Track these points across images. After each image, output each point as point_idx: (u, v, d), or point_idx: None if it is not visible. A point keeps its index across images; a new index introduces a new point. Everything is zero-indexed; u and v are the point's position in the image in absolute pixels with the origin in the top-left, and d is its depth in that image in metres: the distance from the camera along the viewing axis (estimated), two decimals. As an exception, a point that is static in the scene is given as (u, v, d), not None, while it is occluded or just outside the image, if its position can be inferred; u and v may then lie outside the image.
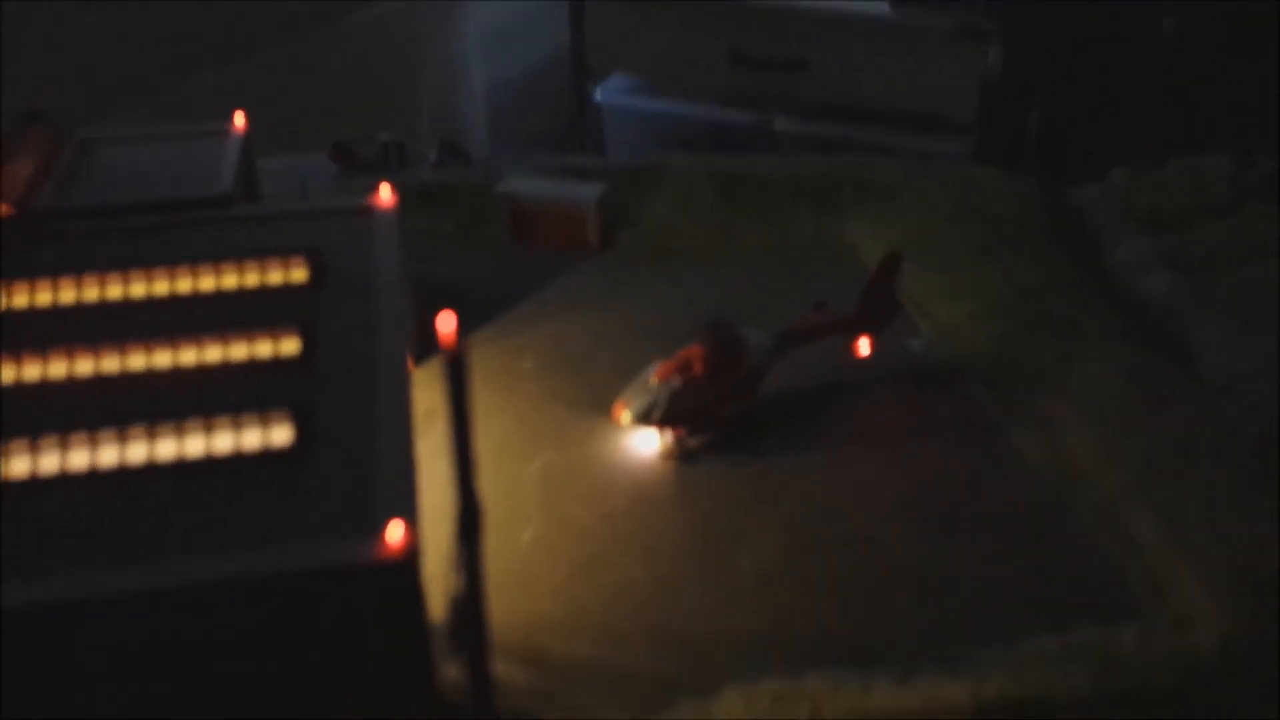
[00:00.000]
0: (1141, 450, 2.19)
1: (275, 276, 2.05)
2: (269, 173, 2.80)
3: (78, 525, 1.50)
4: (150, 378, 1.80)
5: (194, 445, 1.62)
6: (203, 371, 1.82)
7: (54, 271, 2.00)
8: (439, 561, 1.36)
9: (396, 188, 2.35)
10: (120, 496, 1.56)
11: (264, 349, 1.83)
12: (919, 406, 2.51)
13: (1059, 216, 3.34)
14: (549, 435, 2.33)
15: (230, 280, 2.03)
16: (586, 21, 5.36)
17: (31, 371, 1.77)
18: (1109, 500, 2.16)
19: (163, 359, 1.80)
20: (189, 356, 1.82)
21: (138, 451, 1.60)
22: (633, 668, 1.76)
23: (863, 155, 3.99)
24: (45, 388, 1.77)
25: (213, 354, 1.82)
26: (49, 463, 1.58)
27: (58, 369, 1.77)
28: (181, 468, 1.60)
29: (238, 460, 1.62)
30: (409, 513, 1.45)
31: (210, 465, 1.61)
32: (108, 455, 1.59)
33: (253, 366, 1.83)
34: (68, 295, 1.97)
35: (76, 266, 2.02)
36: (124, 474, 1.60)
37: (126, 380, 1.79)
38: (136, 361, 1.80)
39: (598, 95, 5.43)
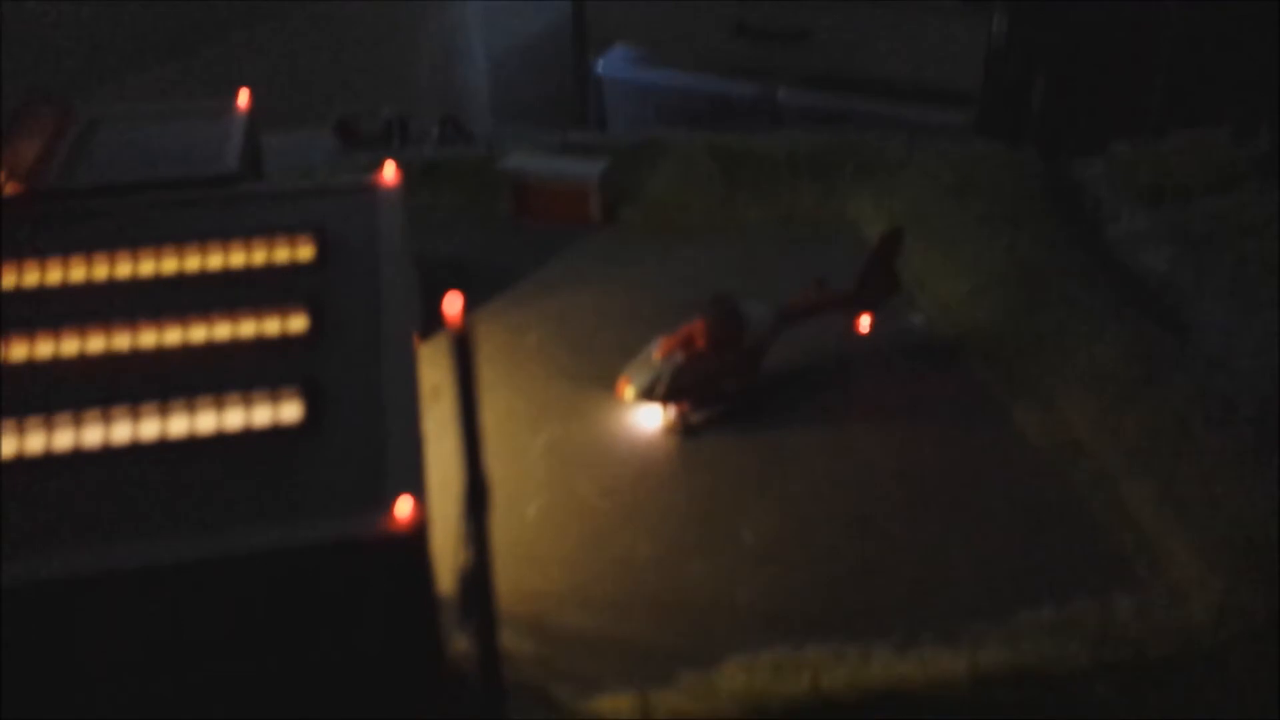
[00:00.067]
0: (1139, 424, 2.22)
1: (282, 254, 2.07)
2: (272, 149, 2.82)
3: (88, 501, 1.52)
4: (160, 355, 1.83)
5: (205, 422, 1.64)
6: (212, 349, 1.84)
7: (63, 250, 2.02)
8: (447, 535, 1.38)
9: (400, 164, 2.37)
10: (131, 473, 1.58)
11: (272, 326, 1.85)
12: (919, 382, 2.53)
13: (1060, 190, 3.35)
14: (553, 410, 2.35)
15: (238, 258, 2.05)
16: (587, -8, 5.33)
17: (44, 349, 1.79)
18: (1107, 474, 2.18)
19: (173, 337, 1.82)
20: (198, 334, 1.84)
21: (150, 428, 1.62)
22: (636, 638, 1.79)
23: (865, 127, 4.00)
24: (57, 365, 1.79)
25: (222, 331, 1.84)
26: (63, 439, 1.60)
27: (70, 346, 1.79)
28: (193, 444, 1.63)
29: (249, 436, 1.64)
30: (417, 488, 1.48)
31: (223, 441, 1.63)
32: (120, 432, 1.62)
33: (262, 343, 1.85)
34: (78, 274, 1.99)
35: (85, 245, 2.04)
36: (135, 451, 1.62)
37: (137, 358, 1.82)
38: (147, 339, 1.82)
39: (599, 67, 5.41)
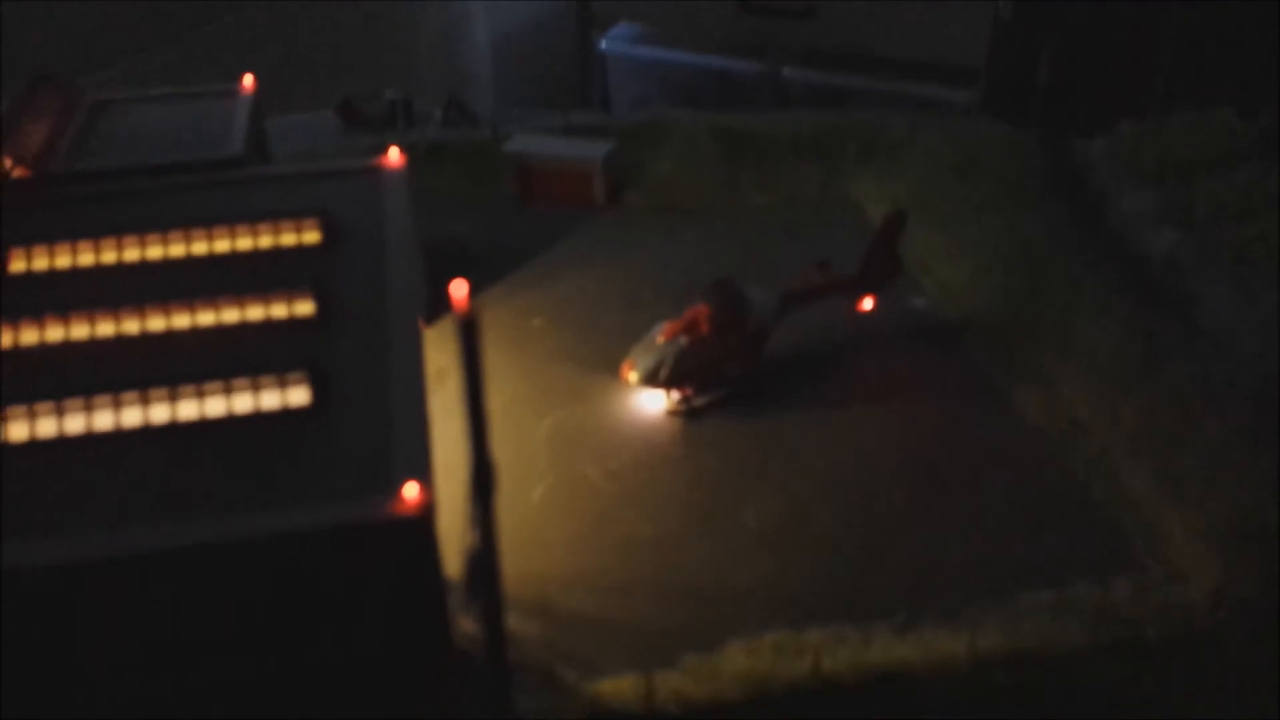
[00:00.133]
0: (1139, 406, 2.23)
1: (288, 238, 2.08)
2: (276, 131, 2.83)
3: (93, 486, 1.54)
4: (169, 339, 1.84)
5: (214, 406, 1.65)
6: (220, 332, 1.85)
7: (70, 234, 2.03)
8: (453, 518, 1.40)
9: (404, 146, 2.38)
10: (139, 459, 1.60)
11: (279, 310, 1.87)
12: (921, 364, 2.54)
13: (1064, 170, 3.35)
14: (558, 394, 2.36)
15: (244, 242, 2.06)
16: (591, -32, 5.30)
17: (53, 334, 1.81)
18: (1106, 456, 2.19)
19: (181, 321, 1.84)
20: (206, 318, 1.85)
21: (160, 412, 1.64)
22: (639, 620, 1.81)
23: (870, 105, 3.99)
24: (66, 349, 1.81)
25: (230, 315, 1.86)
26: (66, 425, 1.62)
27: (79, 331, 1.81)
28: (200, 429, 1.64)
29: (258, 420, 1.65)
30: (424, 472, 1.49)
31: (231, 426, 1.65)
32: (129, 417, 1.63)
33: (269, 327, 1.86)
34: (85, 258, 2.01)
35: (91, 229, 2.06)
36: (143, 436, 1.64)
37: (145, 341, 1.83)
38: (156, 323, 1.84)
39: (602, 43, 5.38)
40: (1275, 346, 2.46)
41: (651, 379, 2.25)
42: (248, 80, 2.63)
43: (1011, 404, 2.36)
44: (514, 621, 1.57)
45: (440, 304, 1.65)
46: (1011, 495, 2.12)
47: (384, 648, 1.50)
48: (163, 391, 1.65)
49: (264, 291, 1.88)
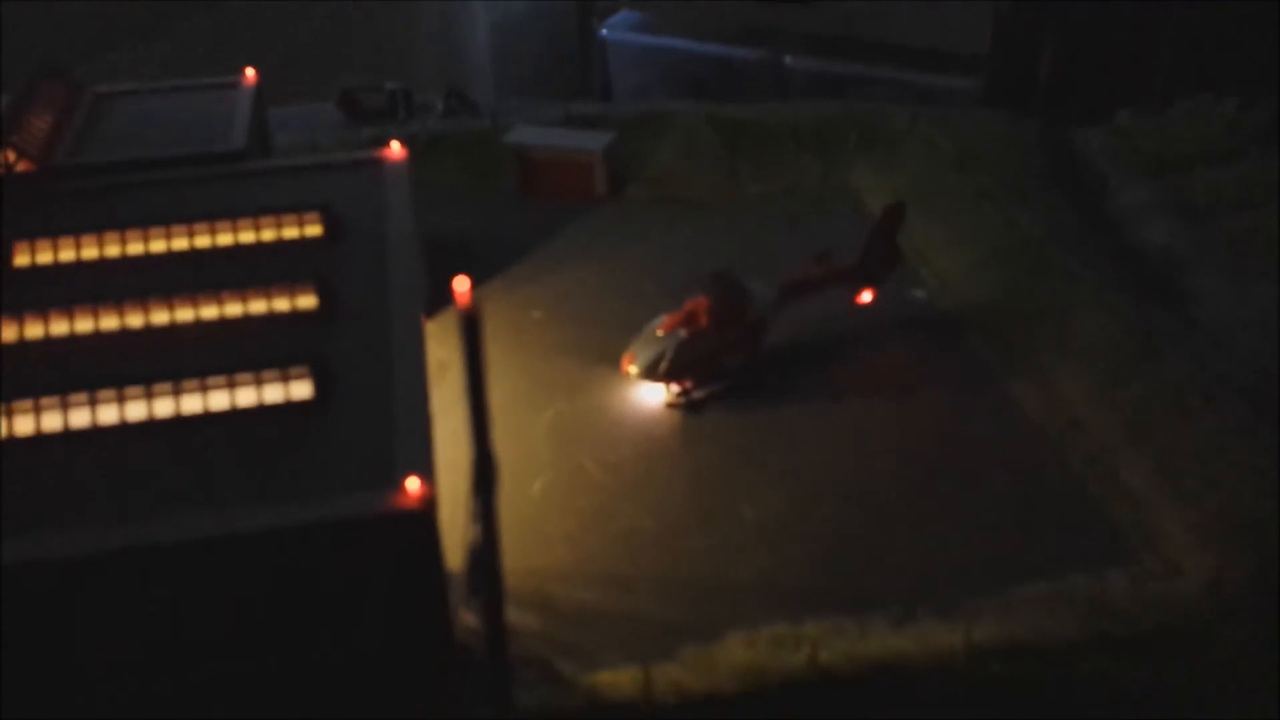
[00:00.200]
0: (1135, 399, 2.25)
1: (291, 232, 2.10)
2: (277, 122, 2.83)
3: (93, 481, 1.55)
4: (171, 333, 1.86)
5: (217, 400, 1.67)
6: (223, 326, 1.87)
7: (73, 228, 2.04)
8: (453, 511, 1.41)
9: (405, 137, 2.39)
10: (143, 453, 1.61)
11: (282, 304, 1.88)
12: (919, 357, 2.56)
13: (1063, 161, 3.36)
14: (558, 387, 2.38)
15: (247, 236, 2.08)
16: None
17: (58, 328, 1.82)
18: (1103, 449, 2.21)
19: (184, 314, 1.85)
20: (210, 312, 1.87)
21: (163, 407, 1.65)
22: (638, 613, 1.84)
23: (871, 94, 3.99)
24: (69, 343, 1.82)
25: (233, 309, 1.87)
26: (61, 419, 1.63)
27: (83, 325, 1.82)
28: (203, 423, 1.66)
29: (261, 414, 1.67)
30: (426, 467, 1.51)
31: (234, 420, 1.66)
32: (134, 410, 1.64)
33: (272, 321, 1.88)
34: (89, 252, 2.02)
35: (94, 223, 2.07)
36: (147, 430, 1.65)
37: (149, 335, 1.85)
38: (159, 317, 1.85)
39: (603, 32, 5.36)
40: (1272, 341, 2.47)
41: (651, 372, 2.27)
42: (249, 73, 2.64)
43: (1009, 398, 2.38)
44: (514, 614, 1.59)
45: (441, 297, 1.66)
46: (1008, 488, 2.14)
47: (385, 643, 1.52)
48: (166, 386, 1.67)
49: (267, 285, 1.89)
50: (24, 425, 1.59)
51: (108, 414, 1.64)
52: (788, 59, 5.03)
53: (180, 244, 2.06)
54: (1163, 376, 2.31)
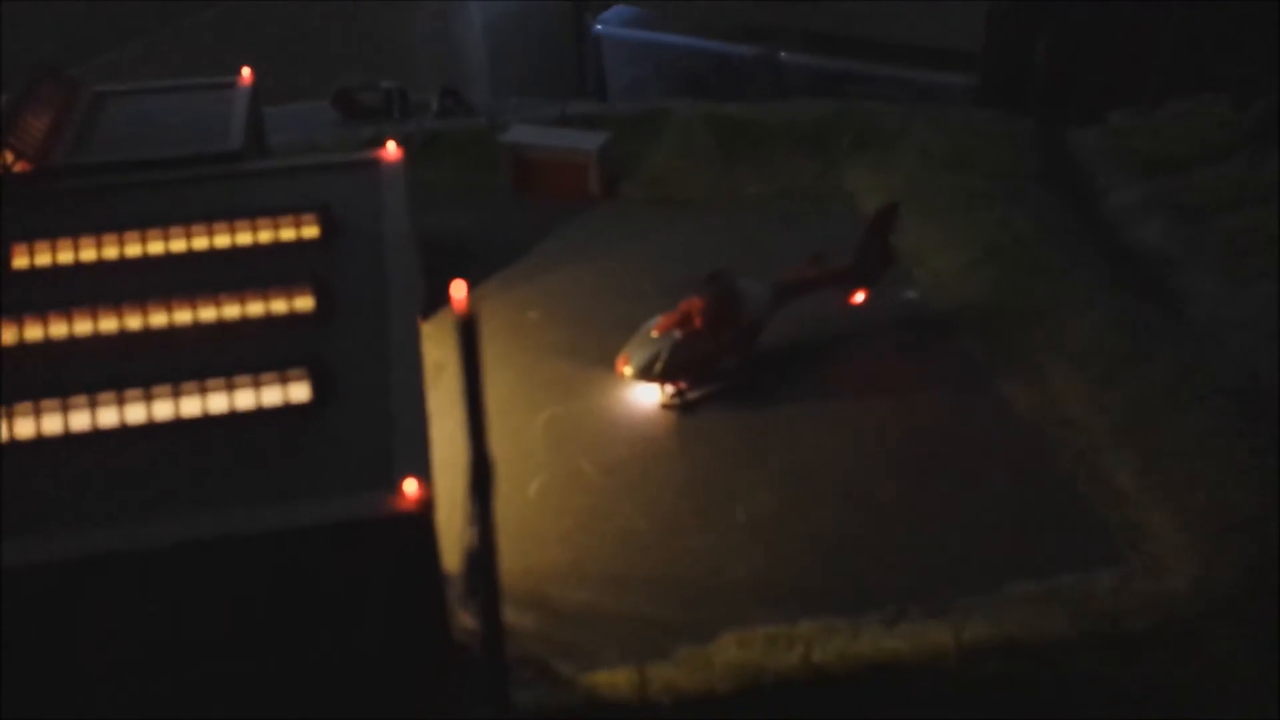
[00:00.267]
0: (1125, 399, 2.26)
1: (288, 233, 2.10)
2: (273, 121, 2.84)
3: (92, 483, 1.56)
4: (170, 335, 1.86)
5: (217, 402, 1.68)
6: (221, 328, 1.88)
7: (71, 229, 2.05)
8: (450, 512, 1.42)
9: (401, 136, 2.40)
10: (141, 455, 1.62)
11: (280, 305, 1.89)
12: (912, 358, 2.56)
13: (1056, 161, 3.37)
14: (554, 388, 2.38)
15: (244, 237, 2.09)
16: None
17: (57, 330, 1.83)
18: (1092, 448, 2.22)
19: (182, 316, 1.86)
20: (208, 313, 1.87)
21: (162, 409, 1.66)
22: (634, 613, 1.84)
23: (867, 91, 3.99)
24: (67, 345, 1.83)
25: (230, 311, 1.88)
26: (78, 420, 1.64)
27: (82, 326, 1.83)
28: (201, 425, 1.67)
29: (259, 416, 1.68)
30: (423, 469, 1.52)
31: (231, 422, 1.67)
32: (133, 413, 1.65)
33: (270, 322, 1.89)
34: (87, 254, 2.03)
35: (92, 224, 2.08)
36: (145, 432, 1.66)
37: (147, 337, 1.85)
38: (157, 319, 1.86)
39: (597, 27, 5.35)
40: (1265, 341, 2.49)
41: (646, 373, 2.27)
42: (246, 73, 2.65)
43: (1001, 397, 2.38)
44: (510, 614, 1.60)
45: (437, 298, 1.67)
46: (999, 487, 2.14)
47: (384, 644, 1.53)
48: (165, 388, 1.67)
49: (264, 287, 1.90)
50: (24, 428, 1.60)
51: (107, 416, 1.65)
52: (783, 55, 5.04)
53: (178, 246, 2.06)
54: (1155, 376, 2.33)
